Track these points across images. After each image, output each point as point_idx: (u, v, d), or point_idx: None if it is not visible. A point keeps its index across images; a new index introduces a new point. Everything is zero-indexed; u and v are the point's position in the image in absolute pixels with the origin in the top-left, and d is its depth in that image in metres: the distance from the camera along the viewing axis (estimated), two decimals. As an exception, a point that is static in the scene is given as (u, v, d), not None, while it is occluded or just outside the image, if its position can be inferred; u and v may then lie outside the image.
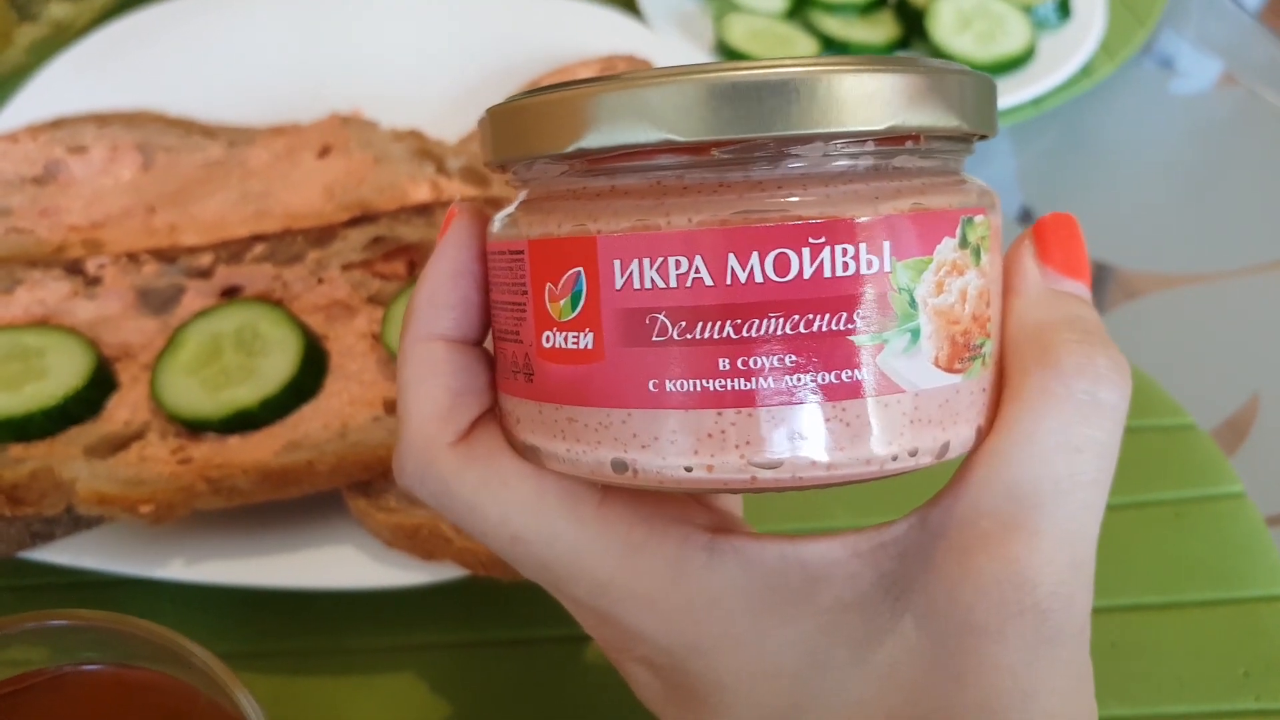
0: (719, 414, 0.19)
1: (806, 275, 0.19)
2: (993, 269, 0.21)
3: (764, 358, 0.19)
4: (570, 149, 0.20)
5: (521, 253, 0.21)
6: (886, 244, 0.19)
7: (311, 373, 0.39)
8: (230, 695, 0.24)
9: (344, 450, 0.37)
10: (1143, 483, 0.42)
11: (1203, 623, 0.38)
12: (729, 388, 0.19)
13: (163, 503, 0.35)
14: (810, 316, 0.19)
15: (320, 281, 0.42)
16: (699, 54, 0.61)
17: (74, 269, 0.43)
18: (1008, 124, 0.61)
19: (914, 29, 0.63)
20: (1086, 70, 0.63)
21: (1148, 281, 0.55)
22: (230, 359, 0.39)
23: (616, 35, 0.58)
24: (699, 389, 0.19)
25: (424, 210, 0.44)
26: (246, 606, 0.39)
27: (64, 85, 0.55)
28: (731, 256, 0.19)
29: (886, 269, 0.19)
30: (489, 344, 0.24)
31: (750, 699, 0.22)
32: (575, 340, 0.20)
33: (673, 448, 0.20)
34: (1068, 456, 0.20)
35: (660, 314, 0.19)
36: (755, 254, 0.19)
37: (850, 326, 0.19)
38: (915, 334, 0.20)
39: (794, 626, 0.21)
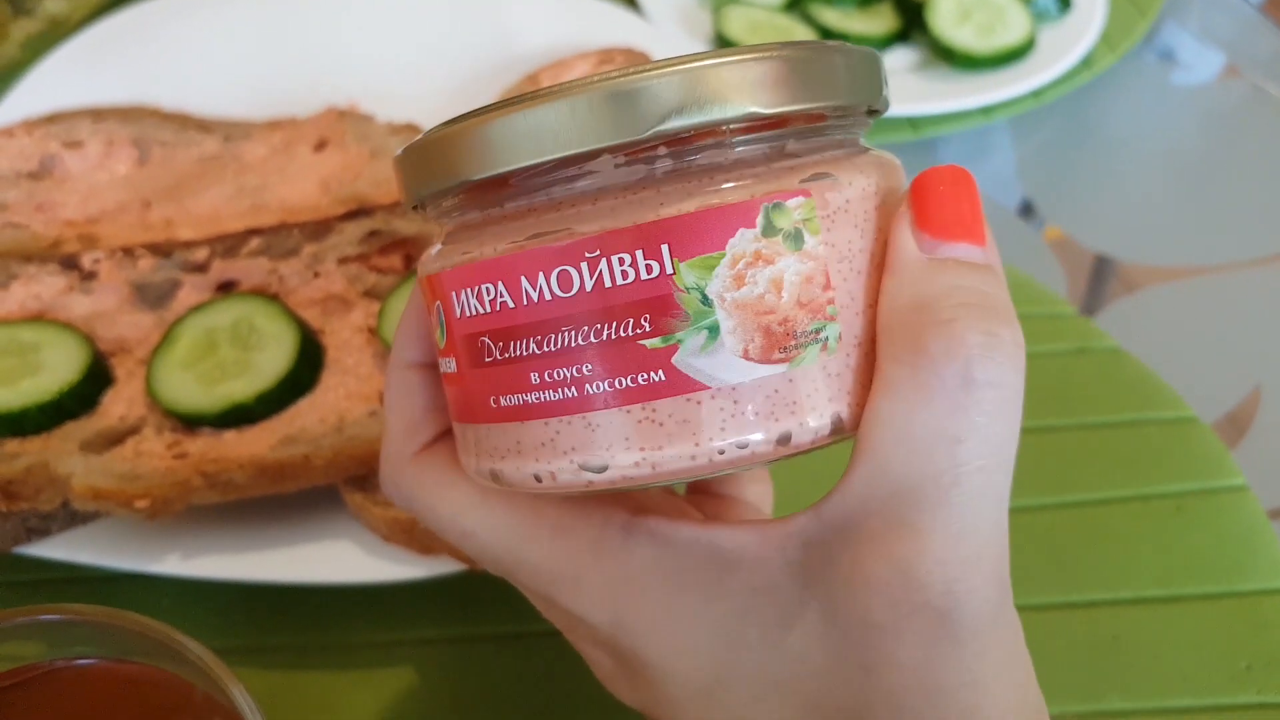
0: (544, 424, 0.21)
1: (589, 288, 0.20)
2: (836, 249, 0.20)
3: (566, 369, 0.20)
4: (418, 198, 0.22)
5: (423, 284, 0.24)
6: (664, 247, 0.20)
7: (308, 367, 0.38)
8: (226, 690, 0.24)
9: (340, 444, 0.36)
10: (1144, 476, 0.42)
11: (1204, 616, 0.38)
12: (544, 399, 0.21)
13: (158, 498, 0.35)
14: (599, 326, 0.20)
15: (316, 275, 0.42)
16: (698, 46, 0.61)
17: (69, 264, 0.43)
18: (1008, 116, 0.61)
19: (913, 21, 0.63)
20: (1087, 62, 0.63)
21: (1149, 274, 0.54)
22: (226, 353, 0.38)
23: (614, 28, 0.57)
24: (521, 402, 0.21)
25: (421, 204, 0.44)
26: (243, 601, 0.38)
27: (59, 80, 0.55)
28: (523, 279, 0.20)
29: (669, 271, 0.20)
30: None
31: (675, 675, 0.22)
32: (448, 365, 0.23)
33: (519, 458, 0.21)
34: (947, 449, 0.19)
35: (485, 337, 0.21)
36: (540, 274, 0.20)
37: (639, 331, 0.20)
38: (713, 330, 0.20)
39: (707, 607, 0.22)
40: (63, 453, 0.37)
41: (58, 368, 0.38)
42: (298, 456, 0.36)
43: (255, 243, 0.42)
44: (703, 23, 0.63)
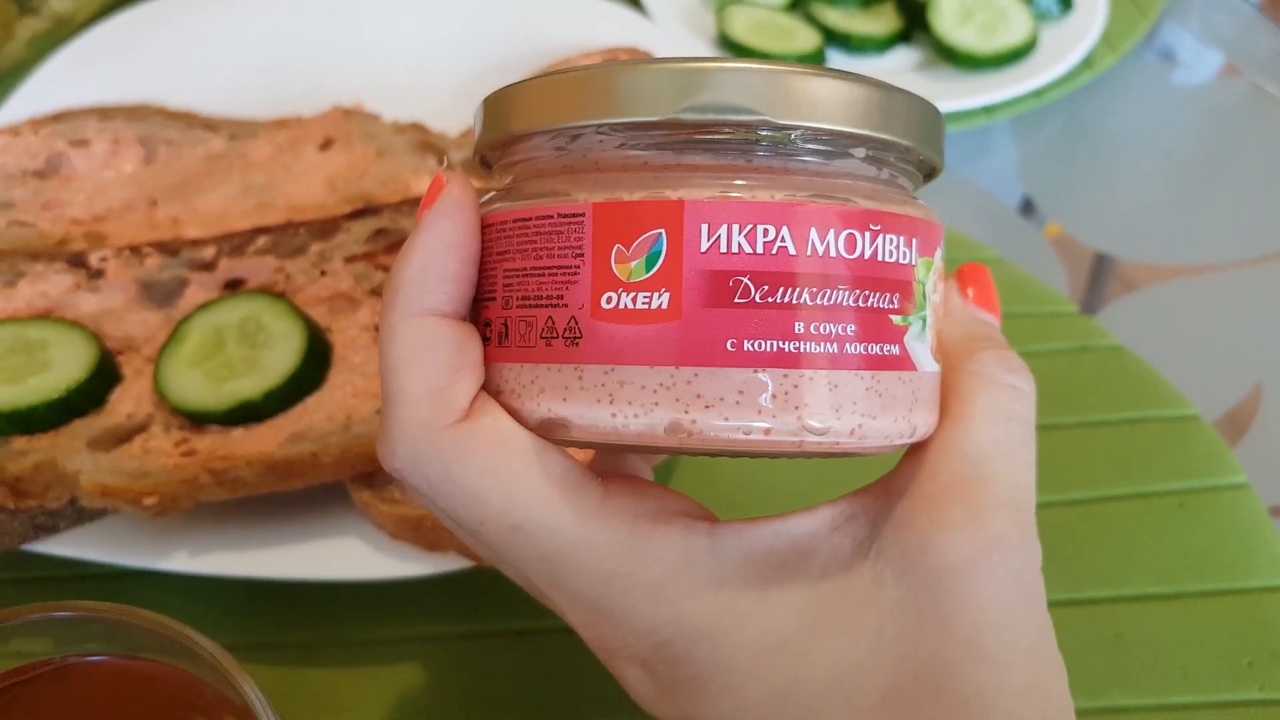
0: (785, 375, 0.21)
1: (867, 255, 0.21)
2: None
3: (833, 325, 0.21)
4: (666, 117, 0.21)
5: (580, 215, 0.21)
6: (915, 241, 0.22)
7: (315, 365, 0.39)
8: (237, 686, 0.24)
9: (348, 442, 0.37)
10: (1146, 473, 0.42)
11: (1206, 613, 0.38)
12: (804, 349, 0.21)
13: (166, 495, 0.35)
14: (868, 293, 0.21)
15: (323, 274, 0.42)
16: (701, 46, 0.61)
17: (77, 262, 0.43)
18: (1010, 116, 0.61)
19: (915, 21, 0.63)
20: (1088, 62, 0.63)
21: (1150, 273, 0.55)
22: (234, 351, 0.39)
23: (618, 27, 0.57)
24: (776, 350, 0.21)
25: (426, 202, 0.44)
26: (250, 598, 0.39)
27: (66, 79, 0.55)
28: (813, 230, 0.21)
29: (914, 261, 0.22)
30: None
31: (755, 675, 0.22)
32: (647, 300, 0.21)
33: (736, 408, 0.21)
34: (1004, 424, 0.24)
35: (745, 277, 0.21)
36: (831, 230, 0.21)
37: (893, 306, 0.22)
38: (924, 322, 0.23)
39: (791, 598, 0.23)
40: (71, 450, 0.37)
41: (66, 365, 0.39)
42: (306, 454, 0.36)
43: (262, 241, 0.43)
44: (705, 22, 0.64)
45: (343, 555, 0.37)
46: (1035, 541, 0.23)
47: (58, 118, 0.52)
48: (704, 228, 0.21)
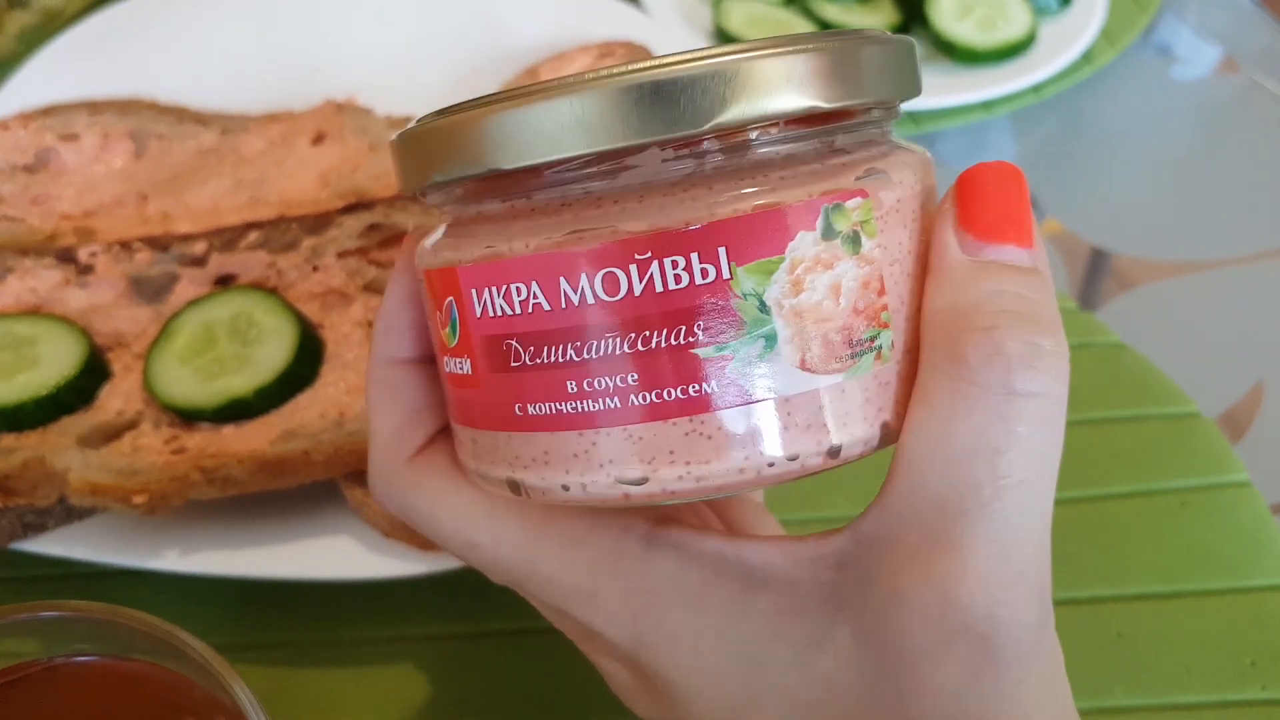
0: (580, 434, 0.19)
1: (637, 292, 0.18)
2: (888, 251, 0.20)
3: (608, 378, 0.19)
4: (423, 184, 0.21)
5: (423, 281, 0.22)
6: (722, 250, 0.18)
7: (307, 361, 0.38)
8: (227, 687, 0.24)
9: (341, 440, 0.36)
10: (1148, 471, 0.42)
11: (1209, 612, 0.38)
12: (581, 409, 0.19)
13: (156, 493, 0.35)
14: (646, 334, 0.18)
15: (315, 269, 0.41)
16: (698, 39, 0.60)
17: (66, 257, 0.42)
18: (1008, 111, 0.60)
19: (913, 15, 0.63)
20: (1087, 57, 0.63)
21: (1149, 269, 0.54)
22: (224, 348, 0.38)
23: (614, 21, 0.57)
24: (554, 411, 0.19)
25: (420, 197, 0.44)
26: (241, 598, 0.38)
27: (55, 72, 0.54)
28: (563, 279, 0.19)
29: (726, 276, 0.18)
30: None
31: (699, 693, 0.21)
32: (459, 365, 0.21)
33: (548, 469, 0.20)
34: (987, 460, 0.18)
35: (513, 340, 0.19)
36: (584, 275, 0.18)
37: (691, 340, 0.18)
38: (770, 339, 0.19)
39: (733, 626, 0.21)
40: (59, 448, 0.36)
41: (54, 362, 0.38)
42: (297, 452, 0.36)
43: (254, 236, 0.42)
44: (702, 16, 0.63)
45: (335, 554, 0.37)
46: (1032, 614, 0.19)
47: (47, 112, 0.51)
48: (473, 293, 0.20)
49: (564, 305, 0.19)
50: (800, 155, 0.19)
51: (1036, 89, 0.61)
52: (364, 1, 0.59)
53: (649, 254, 0.18)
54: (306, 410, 0.37)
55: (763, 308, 0.19)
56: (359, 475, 0.37)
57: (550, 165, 0.19)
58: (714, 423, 0.19)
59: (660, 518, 0.22)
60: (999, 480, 0.18)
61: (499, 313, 0.20)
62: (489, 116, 0.19)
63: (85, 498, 0.35)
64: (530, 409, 0.20)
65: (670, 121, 0.18)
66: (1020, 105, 0.60)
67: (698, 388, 0.19)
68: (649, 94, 0.18)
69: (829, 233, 0.19)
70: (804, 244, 0.19)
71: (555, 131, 0.18)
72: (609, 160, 0.19)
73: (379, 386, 0.24)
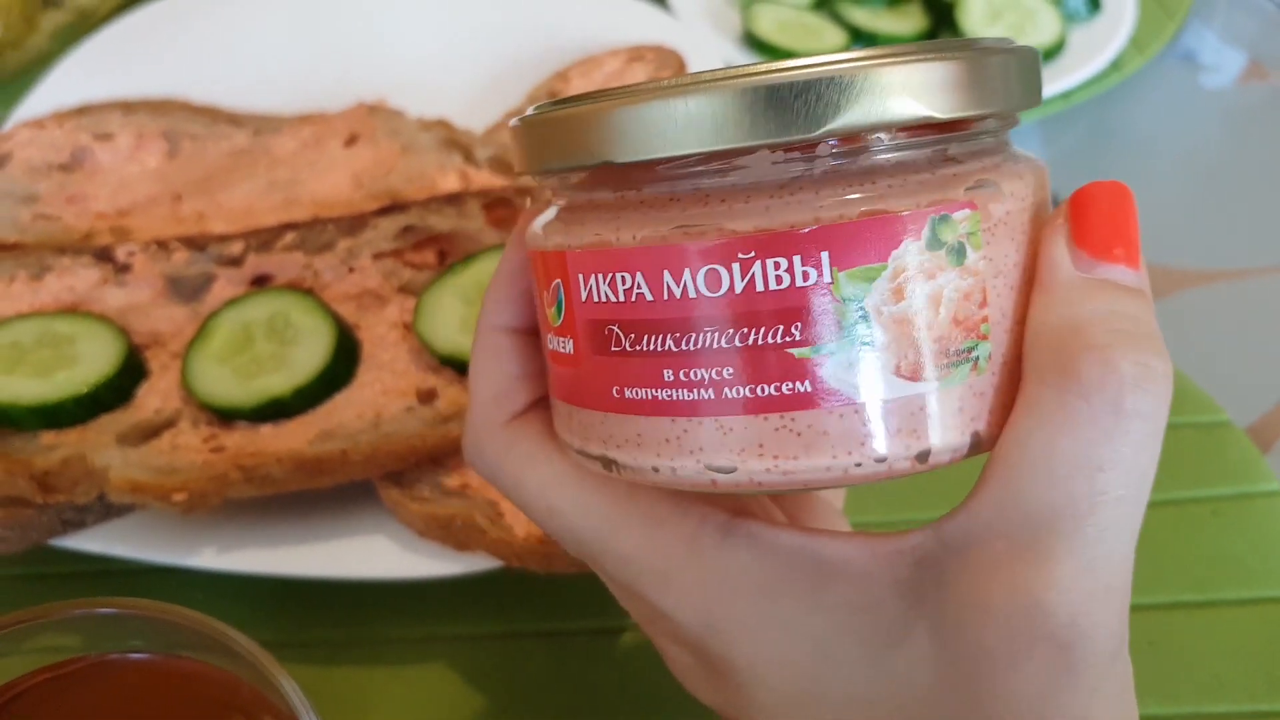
0: (673, 421, 0.20)
1: (738, 290, 0.19)
2: (993, 264, 0.20)
3: (704, 370, 0.19)
4: (544, 167, 0.21)
5: (531, 260, 0.23)
6: (825, 254, 0.19)
7: (344, 362, 0.38)
8: (276, 685, 0.24)
9: (377, 440, 0.36)
10: (1178, 480, 0.42)
11: (1240, 621, 0.38)
12: (676, 397, 0.20)
13: (195, 491, 0.35)
14: (745, 330, 0.19)
15: (351, 270, 0.42)
16: (726, 45, 0.61)
17: (103, 256, 0.43)
18: (1037, 117, 0.60)
19: (942, 20, 0.63)
20: (1116, 64, 0.63)
21: (1179, 278, 0.54)
22: (262, 347, 0.38)
23: (644, 26, 0.57)
24: (651, 397, 0.20)
25: (454, 200, 0.44)
26: (276, 596, 0.38)
27: (88, 72, 0.55)
28: (666, 273, 0.19)
29: (827, 280, 0.19)
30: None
31: (766, 681, 0.22)
32: (562, 344, 0.22)
33: (640, 450, 0.21)
34: (1088, 476, 0.18)
35: (615, 326, 0.20)
36: (687, 269, 0.19)
37: (789, 339, 0.19)
38: (867, 344, 0.19)
39: (805, 618, 0.21)
40: (99, 445, 0.37)
41: (93, 360, 0.38)
42: (335, 452, 0.36)
43: (290, 237, 0.42)
44: (731, 21, 0.63)
45: (371, 554, 0.37)
46: (1112, 628, 0.19)
47: (82, 111, 0.52)
48: (580, 277, 0.21)
49: (666, 297, 0.19)
50: (911, 163, 0.19)
51: (1065, 96, 0.61)
52: (395, 5, 0.59)
53: (752, 253, 0.19)
54: (343, 411, 0.37)
55: (862, 313, 0.19)
56: (395, 476, 0.37)
57: (662, 161, 0.19)
58: (805, 420, 0.19)
59: (736, 509, 0.23)
60: (1098, 496, 0.19)
61: (603, 299, 0.20)
62: (607, 111, 0.19)
63: (125, 495, 0.35)
64: (628, 393, 0.20)
65: (784, 125, 0.18)
66: (1049, 112, 0.60)
67: (791, 386, 0.19)
68: (764, 97, 0.18)
69: (934, 243, 0.19)
70: (908, 253, 0.19)
71: (670, 129, 0.19)
72: (720, 160, 0.19)
73: (484, 351, 0.25)
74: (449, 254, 0.43)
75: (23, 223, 0.46)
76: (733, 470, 0.20)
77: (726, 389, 0.19)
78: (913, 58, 0.19)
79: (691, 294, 0.19)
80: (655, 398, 0.20)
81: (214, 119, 0.52)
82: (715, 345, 0.19)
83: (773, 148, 0.19)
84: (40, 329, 0.39)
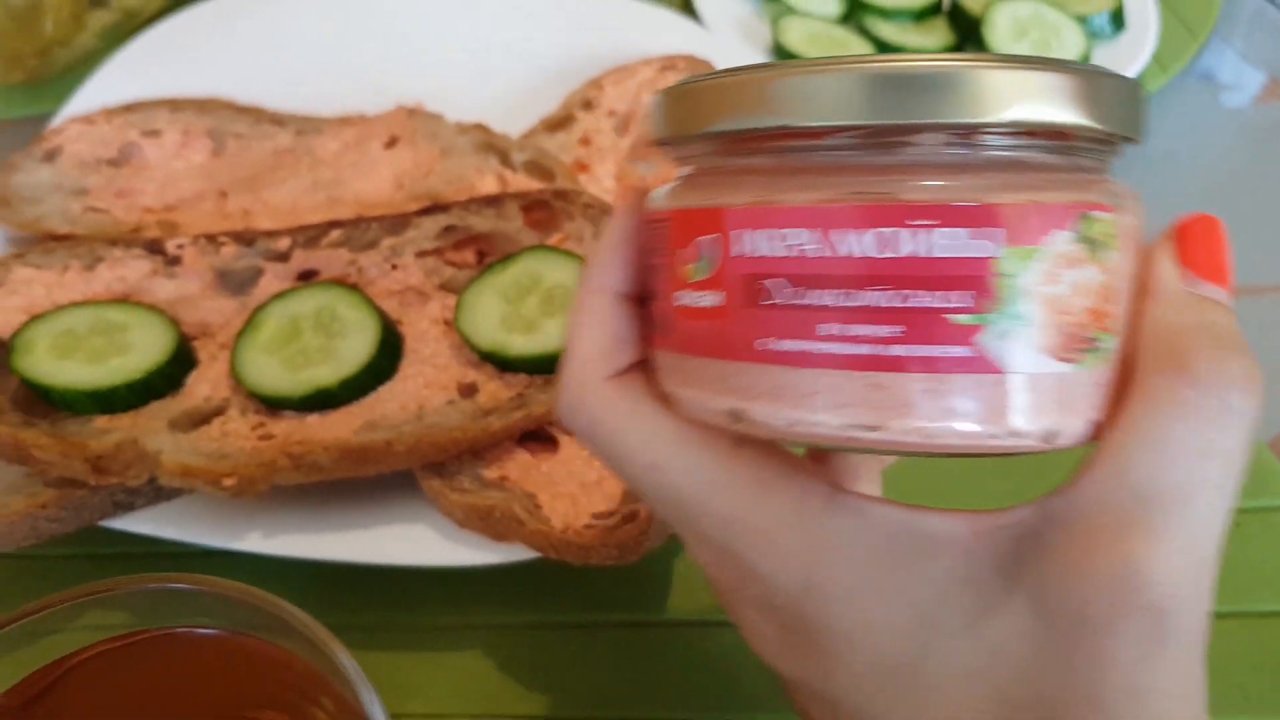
0: (820, 373, 0.21)
1: (904, 253, 0.20)
2: (1120, 268, 0.22)
3: (865, 326, 0.20)
4: (707, 130, 0.22)
5: (665, 221, 0.24)
6: (994, 231, 0.20)
7: (388, 355, 0.39)
8: (336, 664, 0.25)
9: (420, 431, 0.37)
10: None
11: (1264, 634, 0.38)
12: (831, 351, 0.21)
13: (244, 476, 0.36)
14: (906, 293, 0.20)
15: (394, 268, 0.43)
16: (756, 55, 0.62)
17: (154, 248, 0.44)
18: (1060, 133, 0.61)
19: (968, 36, 0.64)
20: (1139, 81, 0.64)
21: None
22: (309, 339, 0.39)
23: (676, 36, 0.58)
24: (801, 350, 0.21)
25: (493, 201, 0.45)
26: (318, 581, 0.39)
27: (136, 71, 0.56)
28: (834, 232, 0.20)
29: (993, 254, 0.20)
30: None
31: (862, 648, 0.22)
32: (702, 299, 0.22)
33: (778, 402, 0.21)
34: (1195, 460, 0.20)
35: (771, 280, 0.21)
36: (863, 230, 0.20)
37: (951, 304, 0.20)
38: (1020, 319, 0.20)
39: (907, 587, 0.22)
40: (151, 430, 0.38)
41: (145, 348, 0.40)
42: (380, 441, 0.37)
43: (335, 234, 0.44)
44: (761, 33, 0.64)
45: (411, 541, 0.38)
46: (1200, 605, 0.21)
47: (130, 108, 0.53)
48: (737, 234, 0.22)
49: (830, 254, 0.20)
50: (1056, 165, 0.21)
51: (1088, 112, 0.62)
52: (433, 12, 0.61)
53: (925, 221, 0.20)
54: (387, 402, 0.39)
55: (1019, 289, 0.20)
56: (436, 466, 0.38)
57: (839, 130, 0.20)
58: (957, 385, 0.20)
59: (837, 484, 0.24)
60: (1201, 480, 0.20)
61: (761, 254, 0.21)
62: (793, 75, 0.20)
63: (176, 479, 0.37)
64: (773, 344, 0.21)
65: (962, 110, 0.20)
66: (1072, 127, 0.61)
67: (945, 350, 0.20)
68: (948, 82, 0.20)
69: (1081, 237, 0.21)
70: (1060, 241, 0.20)
71: (856, 100, 0.20)
72: (895, 133, 0.20)
73: (588, 310, 0.25)
74: (487, 253, 0.45)
75: (73, 215, 0.48)
76: (876, 429, 0.21)
77: (880, 346, 0.20)
78: (1086, 72, 0.21)
79: (857, 254, 0.20)
80: (806, 351, 0.21)
81: (258, 119, 0.53)
82: (880, 304, 0.20)
83: (949, 129, 0.20)
84: (94, 317, 0.41)
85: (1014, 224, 0.20)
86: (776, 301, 0.21)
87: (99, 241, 0.44)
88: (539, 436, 0.39)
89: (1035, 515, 0.22)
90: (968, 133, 0.20)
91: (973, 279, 0.20)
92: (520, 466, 0.38)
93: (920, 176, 0.20)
